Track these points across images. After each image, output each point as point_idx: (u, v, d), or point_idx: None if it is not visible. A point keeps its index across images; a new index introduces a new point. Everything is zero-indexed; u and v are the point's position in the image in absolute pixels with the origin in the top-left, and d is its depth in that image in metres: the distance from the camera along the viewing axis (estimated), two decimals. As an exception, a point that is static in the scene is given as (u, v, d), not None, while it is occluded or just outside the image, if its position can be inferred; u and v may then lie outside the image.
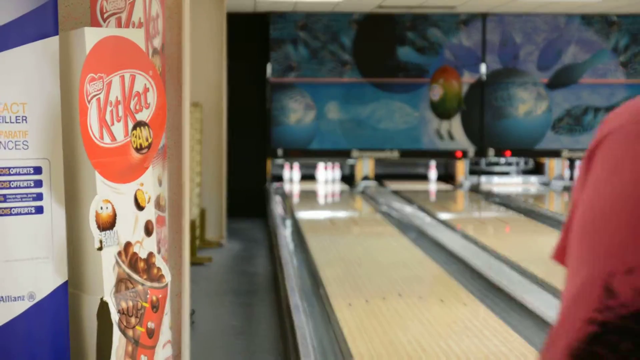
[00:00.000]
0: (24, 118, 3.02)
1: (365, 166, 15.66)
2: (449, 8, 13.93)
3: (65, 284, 3.11)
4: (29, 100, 3.03)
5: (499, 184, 15.68)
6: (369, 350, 5.57)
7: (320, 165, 15.79)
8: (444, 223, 11.14)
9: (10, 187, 3.01)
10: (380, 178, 16.00)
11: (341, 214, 12.60)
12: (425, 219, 11.55)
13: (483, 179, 15.53)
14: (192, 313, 6.93)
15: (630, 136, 1.07)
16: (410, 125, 14.56)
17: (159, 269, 3.29)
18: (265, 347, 6.48)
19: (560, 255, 1.28)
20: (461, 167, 15.72)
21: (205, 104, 11.17)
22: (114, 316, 3.10)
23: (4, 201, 3.00)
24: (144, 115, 3.19)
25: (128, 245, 3.17)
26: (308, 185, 15.52)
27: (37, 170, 3.05)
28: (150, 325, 3.25)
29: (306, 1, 13.08)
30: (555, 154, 14.80)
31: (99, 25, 3.26)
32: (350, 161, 15.55)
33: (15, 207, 3.02)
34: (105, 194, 3.10)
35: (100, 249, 3.08)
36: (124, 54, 3.14)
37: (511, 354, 5.59)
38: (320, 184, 15.67)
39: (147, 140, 3.20)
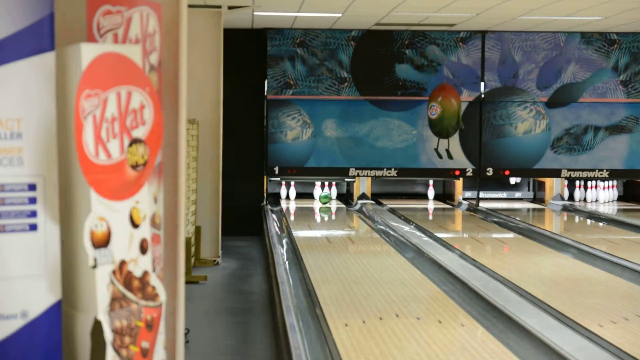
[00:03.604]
0: (19, 134, 2.98)
1: (362, 184, 15.65)
2: (448, 26, 13.93)
3: (59, 302, 3.07)
4: (24, 116, 2.99)
5: (497, 202, 15.66)
6: (366, 371, 5.52)
7: (317, 183, 15.78)
8: (442, 242, 11.11)
9: (4, 204, 2.97)
10: (377, 196, 15.98)
11: (338, 232, 12.56)
12: (422, 238, 11.52)
13: (481, 197, 15.50)
14: (187, 332, 6.89)
15: None
16: (409, 144, 14.54)
17: (153, 287, 3.25)
18: (261, 366, 6.44)
19: None
20: (459, 186, 15.70)
21: (201, 121, 11.16)
22: (108, 335, 3.06)
23: (-3, 218, 2.96)
24: (140, 132, 3.15)
25: (123, 263, 3.13)
26: (305, 203, 15.49)
27: (32, 187, 3.02)
28: (145, 344, 3.20)
29: (305, 17, 13.08)
30: (555, 173, 14.77)
31: (96, 41, 3.22)
32: (346, 180, 15.54)
33: (8, 225, 2.98)
34: (100, 212, 3.06)
35: (94, 267, 3.04)
36: (121, 70, 3.11)
37: (509, 375, 5.55)
38: (317, 202, 15.64)
39: (143, 157, 3.16)
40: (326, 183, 15.74)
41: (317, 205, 15.47)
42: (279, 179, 15.43)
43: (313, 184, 15.82)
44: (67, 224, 3.12)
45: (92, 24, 3.23)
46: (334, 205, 15.52)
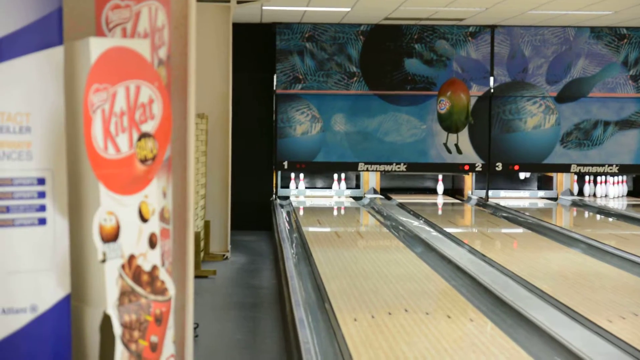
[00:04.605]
0: (28, 128, 2.99)
1: (371, 179, 15.64)
2: (457, 20, 13.91)
3: (68, 296, 3.08)
4: (33, 110, 2.99)
5: (506, 198, 15.64)
6: (375, 366, 5.52)
7: (327, 178, 15.78)
8: (451, 237, 11.10)
9: (13, 198, 2.97)
10: (386, 191, 15.98)
11: (347, 227, 12.56)
12: (432, 233, 11.51)
13: (491, 193, 15.48)
14: (196, 327, 6.89)
15: None
16: (418, 138, 14.53)
17: (162, 282, 3.25)
18: (270, 361, 6.44)
19: None
20: (469, 181, 15.68)
21: (210, 115, 11.16)
22: (117, 329, 3.06)
23: (7, 212, 2.96)
24: (148, 127, 3.15)
25: (132, 257, 3.13)
26: (314, 198, 15.49)
27: (41, 181, 3.02)
28: (154, 339, 3.21)
29: (314, 11, 13.07)
30: (564, 168, 14.75)
31: (104, 36, 3.23)
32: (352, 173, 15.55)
33: (17, 219, 2.98)
34: (109, 206, 3.06)
35: (103, 261, 3.04)
36: (129, 64, 3.11)
37: (518, 370, 5.54)
38: (326, 197, 15.64)
39: (152, 151, 3.16)
40: (335, 177, 15.75)
41: (326, 200, 15.47)
42: (288, 173, 15.43)
43: (322, 179, 15.82)
44: (76, 218, 3.12)
45: (100, 18, 3.23)
46: (343, 200, 15.52)
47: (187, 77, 3.52)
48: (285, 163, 14.50)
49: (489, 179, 15.43)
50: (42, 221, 3.02)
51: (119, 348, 3.06)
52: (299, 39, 14.34)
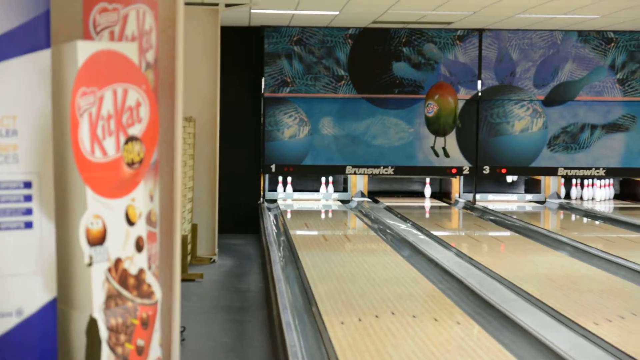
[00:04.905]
0: (15, 132, 2.98)
1: (359, 182, 15.65)
2: (445, 24, 13.93)
3: (54, 300, 3.07)
4: (20, 113, 2.99)
5: (494, 202, 15.66)
6: (362, 369, 5.52)
7: (314, 181, 15.77)
8: (438, 240, 11.11)
9: (-1, 202, 2.97)
10: (374, 194, 15.98)
11: (334, 230, 12.56)
12: (419, 236, 11.52)
13: (478, 196, 15.49)
14: (183, 330, 6.88)
15: None
16: (405, 142, 14.54)
17: (149, 285, 3.25)
18: (257, 364, 6.44)
19: None
20: (456, 185, 15.70)
21: (198, 119, 11.15)
22: (103, 333, 3.06)
23: (-7, 216, 2.96)
24: (136, 130, 3.15)
25: (118, 261, 3.13)
26: (301, 202, 15.48)
27: (27, 184, 3.01)
28: (140, 342, 3.20)
29: (302, 15, 13.08)
30: (551, 171, 14.78)
31: (92, 39, 3.22)
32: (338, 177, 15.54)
33: (4, 222, 2.97)
34: (96, 209, 3.06)
35: (90, 264, 3.04)
36: (117, 67, 3.11)
37: (505, 373, 5.55)
38: (314, 200, 15.64)
39: (139, 155, 3.16)
40: (323, 180, 15.74)
41: (314, 203, 15.47)
42: (275, 176, 15.42)
43: (310, 182, 15.81)
44: (63, 221, 3.12)
45: (88, 21, 3.23)
46: (331, 203, 15.52)
47: (174, 80, 3.52)
48: (273, 166, 14.50)
49: (476, 182, 15.44)
50: (29, 224, 3.01)
51: (105, 352, 3.06)
52: (287, 43, 14.34)
